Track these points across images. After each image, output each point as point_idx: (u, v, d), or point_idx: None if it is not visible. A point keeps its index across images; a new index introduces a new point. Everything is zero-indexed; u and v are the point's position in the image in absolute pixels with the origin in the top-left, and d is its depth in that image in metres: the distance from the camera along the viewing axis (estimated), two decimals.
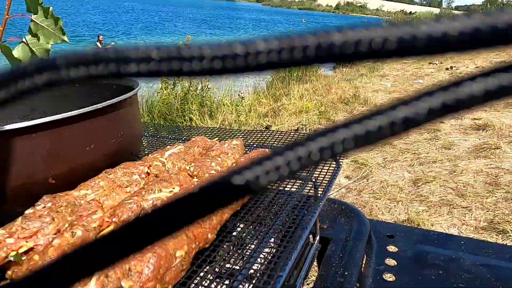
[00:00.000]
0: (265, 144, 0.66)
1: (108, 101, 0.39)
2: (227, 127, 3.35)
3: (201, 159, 0.41)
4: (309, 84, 5.52)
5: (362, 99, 4.22)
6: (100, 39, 12.22)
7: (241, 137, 0.68)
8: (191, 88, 4.03)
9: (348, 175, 2.39)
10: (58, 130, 0.34)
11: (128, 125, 0.45)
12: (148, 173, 0.37)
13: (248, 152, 0.55)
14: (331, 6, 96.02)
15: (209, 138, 0.52)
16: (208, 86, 4.37)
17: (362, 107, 3.94)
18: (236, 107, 3.76)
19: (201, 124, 3.63)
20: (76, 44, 11.87)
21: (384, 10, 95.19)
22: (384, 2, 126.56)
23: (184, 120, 3.88)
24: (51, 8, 0.63)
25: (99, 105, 0.38)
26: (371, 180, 2.26)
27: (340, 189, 2.20)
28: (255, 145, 0.65)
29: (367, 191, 2.14)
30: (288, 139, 0.70)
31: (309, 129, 3.25)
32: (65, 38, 0.63)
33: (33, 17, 0.65)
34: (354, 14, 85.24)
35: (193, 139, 0.49)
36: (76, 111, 0.35)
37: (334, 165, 0.53)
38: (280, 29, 27.68)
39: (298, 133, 0.82)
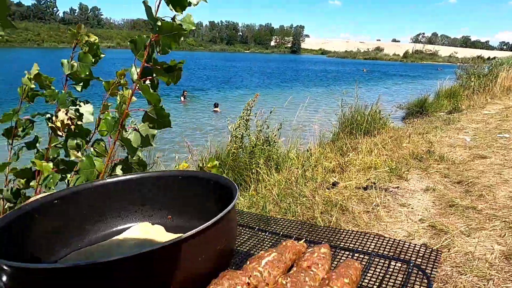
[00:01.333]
0: (350, 247, 0.67)
1: (222, 213, 0.45)
2: (294, 182, 3.37)
3: (295, 272, 0.44)
4: (378, 138, 5.36)
5: (437, 155, 3.95)
6: (184, 94, 13.57)
7: (325, 241, 0.69)
8: (258, 143, 4.19)
9: (426, 243, 2.19)
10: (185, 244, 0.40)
11: (231, 230, 0.50)
12: (248, 283, 0.41)
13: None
14: (398, 55, 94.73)
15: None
16: (275, 140, 4.51)
17: (438, 164, 3.68)
18: (303, 162, 3.78)
19: (267, 177, 3.70)
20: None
21: (457, 57, 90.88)
22: (457, 48, 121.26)
23: (251, 173, 4.00)
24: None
25: (217, 217, 0.44)
26: (454, 251, 2.04)
27: None
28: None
29: (448, 263, 1.93)
30: (360, 239, 0.70)
31: (379, 187, 3.11)
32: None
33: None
34: (424, 62, 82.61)
35: (284, 243, 0.52)
36: (200, 227, 0.41)
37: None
38: (344, 79, 27.87)
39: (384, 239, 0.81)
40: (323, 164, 3.87)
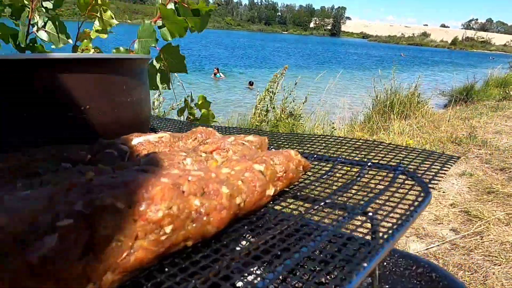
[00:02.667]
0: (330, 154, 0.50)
1: None
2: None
3: (173, 151, 0.29)
4: (414, 120, 4.98)
5: (479, 140, 3.56)
6: (215, 71, 13.53)
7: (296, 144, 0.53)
8: (282, 116, 4.01)
9: (455, 228, 1.95)
10: None
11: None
12: None
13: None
14: (446, 41, 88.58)
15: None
16: (301, 115, 4.30)
17: (479, 149, 3.32)
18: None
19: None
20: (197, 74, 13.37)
21: None
22: None
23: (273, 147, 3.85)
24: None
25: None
26: (488, 239, 1.79)
27: (443, 243, 1.79)
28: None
29: (480, 251, 1.69)
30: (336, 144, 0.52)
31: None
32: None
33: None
34: (475, 50, 76.82)
35: (194, 129, 0.37)
36: None
37: (417, 192, 0.34)
38: (380, 63, 26.52)
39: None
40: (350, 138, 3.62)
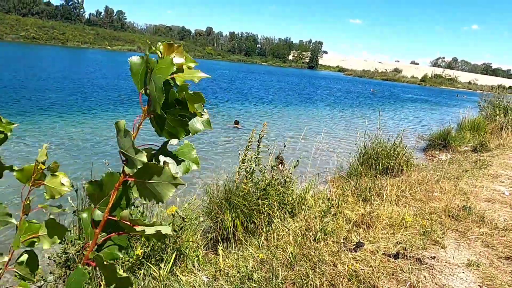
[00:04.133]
0: None
1: None
2: (311, 238, 2.93)
3: None
4: (403, 180, 4.89)
5: (475, 214, 3.46)
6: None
7: None
8: (272, 181, 3.78)
9: None
10: None
11: None
12: None
13: None
14: (416, 77, 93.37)
15: None
16: (291, 178, 4.09)
17: (478, 227, 3.20)
18: (322, 210, 3.35)
19: (281, 226, 3.28)
20: None
21: (477, 84, 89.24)
22: (477, 75, 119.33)
23: (263, 214, 3.58)
24: None
25: None
26: None
27: None
28: None
29: None
30: None
31: (412, 256, 2.65)
32: None
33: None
34: (443, 87, 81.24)
35: None
36: None
37: None
38: (356, 98, 27.29)
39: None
40: (344, 214, 3.43)
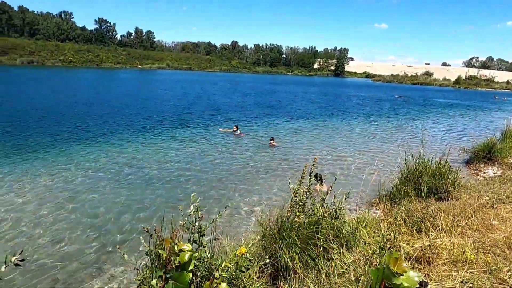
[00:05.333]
0: None
1: None
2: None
3: None
4: (452, 204, 4.79)
5: None
6: (234, 129, 13.64)
7: None
8: (325, 215, 3.85)
9: None
10: None
11: None
12: None
13: None
14: (449, 80, 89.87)
15: None
16: (341, 209, 4.14)
17: None
18: (378, 243, 3.37)
19: (339, 261, 3.34)
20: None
21: None
22: None
23: (319, 249, 3.65)
24: None
25: None
26: None
27: None
28: None
29: None
30: None
31: None
32: None
33: None
34: (479, 89, 77.60)
35: None
36: None
37: None
38: (385, 107, 26.60)
39: None
40: (400, 247, 3.43)
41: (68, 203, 6.60)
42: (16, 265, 1.82)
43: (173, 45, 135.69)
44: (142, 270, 3.02)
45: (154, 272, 2.96)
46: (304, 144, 12.42)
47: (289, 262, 3.55)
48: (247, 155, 10.62)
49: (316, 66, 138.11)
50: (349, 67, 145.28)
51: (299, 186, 3.94)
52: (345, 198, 4.07)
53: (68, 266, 4.72)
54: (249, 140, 12.75)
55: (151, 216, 6.23)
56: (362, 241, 3.69)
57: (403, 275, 1.27)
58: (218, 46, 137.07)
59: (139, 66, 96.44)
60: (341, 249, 3.58)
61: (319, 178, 7.97)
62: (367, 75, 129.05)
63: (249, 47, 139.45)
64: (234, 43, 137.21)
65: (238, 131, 13.51)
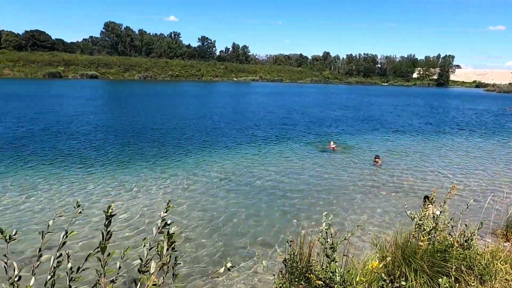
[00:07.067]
0: None
1: None
2: None
3: None
4: None
5: None
6: (332, 145, 13.67)
7: None
8: (456, 243, 3.71)
9: None
10: None
11: None
12: None
13: None
14: None
15: None
16: (472, 238, 3.92)
17: None
18: None
19: None
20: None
21: None
22: None
23: (451, 279, 3.53)
24: None
25: None
26: None
27: None
28: None
29: None
30: None
31: None
32: None
33: None
34: None
35: None
36: None
37: None
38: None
39: None
40: None
41: (185, 200, 7.54)
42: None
43: (266, 58, 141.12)
44: (277, 276, 3.37)
45: (290, 281, 3.29)
46: (409, 164, 11.75)
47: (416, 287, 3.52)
48: (349, 172, 10.55)
49: (415, 75, 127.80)
50: (455, 75, 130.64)
51: (425, 210, 3.89)
52: (478, 229, 3.86)
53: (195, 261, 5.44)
54: (349, 156, 12.60)
55: (268, 224, 6.71)
56: (500, 277, 3.45)
57: None
58: (310, 57, 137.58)
59: (235, 79, 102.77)
60: (476, 282, 3.42)
61: (429, 201, 7.55)
62: (477, 84, 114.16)
63: (341, 57, 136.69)
64: (326, 54, 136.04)
65: (334, 145, 13.46)
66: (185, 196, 8.13)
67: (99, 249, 1.72)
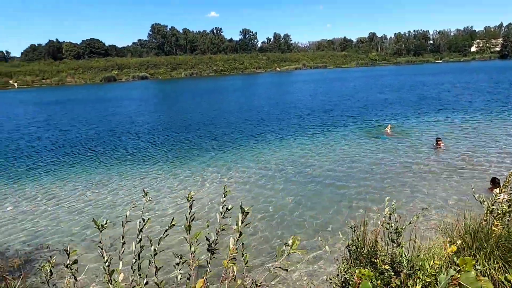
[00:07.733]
0: None
1: None
2: None
3: None
4: None
5: None
6: (388, 129, 13.21)
7: None
8: None
9: None
10: None
11: None
12: None
13: None
14: None
15: None
16: None
17: None
18: None
19: None
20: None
21: None
22: None
23: None
24: None
25: None
26: None
27: None
28: None
29: None
30: None
31: None
32: None
33: None
34: None
35: None
36: None
37: None
38: None
39: None
40: None
41: (248, 193, 7.78)
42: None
43: (308, 44, 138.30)
44: (341, 261, 3.41)
45: (354, 266, 3.31)
46: (473, 145, 10.94)
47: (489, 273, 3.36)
48: (407, 157, 10.12)
49: (473, 49, 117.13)
50: None
51: (498, 194, 3.66)
52: None
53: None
54: (406, 140, 12.05)
55: (328, 212, 6.74)
56: None
57: None
58: (354, 40, 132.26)
59: (278, 69, 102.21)
60: None
61: (497, 182, 7.09)
62: None
63: (388, 37, 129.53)
64: (372, 35, 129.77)
65: (389, 130, 12.96)
66: (246, 189, 8.40)
67: (184, 228, 1.89)
